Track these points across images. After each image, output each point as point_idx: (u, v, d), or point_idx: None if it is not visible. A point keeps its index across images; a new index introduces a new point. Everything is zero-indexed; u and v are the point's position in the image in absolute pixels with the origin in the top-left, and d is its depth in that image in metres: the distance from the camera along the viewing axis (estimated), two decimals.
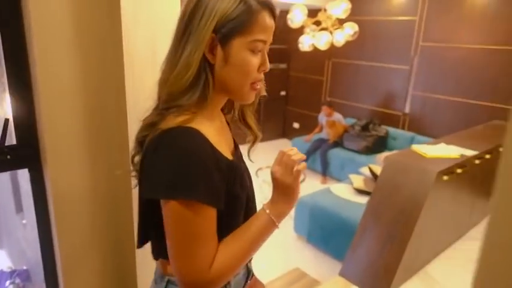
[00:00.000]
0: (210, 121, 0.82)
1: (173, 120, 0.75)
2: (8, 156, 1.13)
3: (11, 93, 1.09)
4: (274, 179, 0.88)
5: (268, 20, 0.79)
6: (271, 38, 0.82)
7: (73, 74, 1.14)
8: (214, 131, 0.82)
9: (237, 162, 0.87)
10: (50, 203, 1.20)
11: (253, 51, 0.78)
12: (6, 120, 1.11)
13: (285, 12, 5.99)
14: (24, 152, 1.16)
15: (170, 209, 0.72)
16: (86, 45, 1.17)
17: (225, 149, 0.83)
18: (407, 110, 5.11)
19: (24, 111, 1.13)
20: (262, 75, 0.84)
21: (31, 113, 1.14)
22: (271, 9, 0.80)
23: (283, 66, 6.60)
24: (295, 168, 0.85)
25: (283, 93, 6.77)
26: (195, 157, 0.72)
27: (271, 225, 0.86)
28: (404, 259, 2.31)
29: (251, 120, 0.98)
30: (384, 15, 5.15)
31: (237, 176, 0.83)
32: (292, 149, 0.90)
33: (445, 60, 4.63)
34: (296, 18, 3.66)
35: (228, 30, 0.75)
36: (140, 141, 0.81)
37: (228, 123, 0.98)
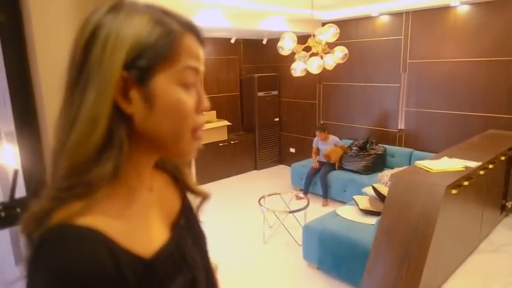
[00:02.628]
0: (124, 198, 0.59)
1: (67, 210, 0.51)
2: (18, 209, 1.08)
3: (19, 144, 1.05)
4: None
5: (195, 45, 0.59)
6: (203, 68, 0.61)
7: None
8: (128, 215, 0.58)
9: (169, 250, 0.63)
10: None
11: (185, 86, 0.57)
12: (16, 172, 1.07)
13: (272, 41, 6.13)
14: None
15: None
16: None
17: (148, 234, 0.61)
18: (402, 126, 5.15)
19: (33, 162, 1.09)
20: (202, 119, 0.62)
21: (40, 163, 1.11)
22: (196, 32, 0.60)
23: (274, 93, 6.66)
24: None
25: (276, 119, 6.81)
26: (76, 286, 0.47)
27: None
28: (424, 278, 2.25)
29: (191, 180, 0.75)
30: (370, 36, 5.28)
31: (166, 273, 0.60)
32: None
33: (434, 75, 4.73)
34: (286, 45, 3.72)
35: (146, 62, 0.54)
36: (29, 238, 0.54)
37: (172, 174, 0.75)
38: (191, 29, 0.59)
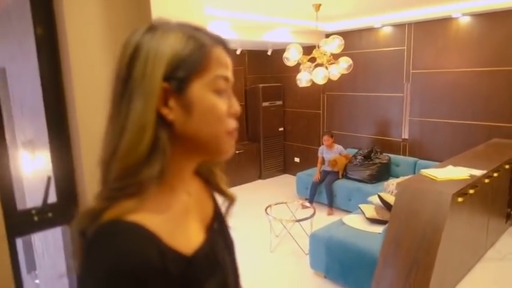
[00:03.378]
0: (169, 199, 0.65)
1: (119, 208, 0.57)
2: (50, 214, 1.14)
3: (51, 152, 1.11)
4: None
5: (224, 56, 0.66)
6: (232, 76, 0.68)
7: None
8: (172, 216, 0.64)
9: (205, 251, 0.68)
10: None
11: (217, 92, 0.63)
12: (49, 178, 1.13)
13: (276, 52, 6.23)
14: (64, 208, 1.17)
15: None
16: None
17: (188, 235, 0.67)
18: (406, 135, 5.20)
19: (64, 168, 1.15)
20: (235, 122, 0.68)
21: (70, 170, 1.17)
22: (224, 45, 0.67)
23: (279, 103, 6.74)
24: None
25: (281, 129, 6.87)
26: (127, 278, 0.53)
27: None
28: (431, 286, 2.27)
29: (222, 182, 0.81)
30: (373, 47, 5.37)
31: (202, 272, 0.65)
32: None
33: (437, 85, 4.79)
34: (292, 57, 3.80)
35: (183, 73, 0.60)
36: (81, 234, 0.60)
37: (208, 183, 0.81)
38: (219, 41, 0.66)
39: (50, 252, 2.10)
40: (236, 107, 0.67)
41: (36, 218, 1.13)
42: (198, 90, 0.61)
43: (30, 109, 1.98)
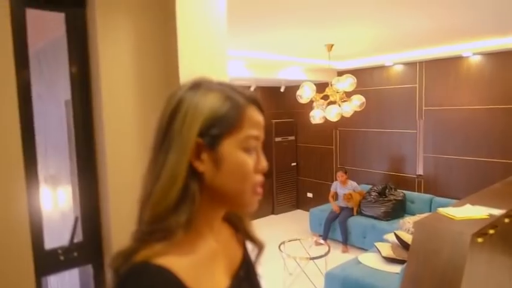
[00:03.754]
0: (196, 244, 0.68)
1: (149, 251, 0.61)
2: (75, 254, 1.16)
3: (80, 192, 1.15)
4: None
5: (257, 115, 0.70)
6: (263, 135, 0.71)
7: (139, 173, 1.21)
8: (197, 262, 0.67)
9: None
10: None
11: (247, 150, 0.67)
12: (76, 219, 1.16)
13: (289, 88, 6.36)
14: (89, 248, 1.19)
15: None
16: (148, 145, 1.25)
17: (213, 281, 0.69)
18: (420, 171, 5.15)
19: (91, 209, 1.19)
20: (261, 177, 0.71)
21: (96, 211, 1.20)
22: (258, 104, 0.71)
23: (291, 138, 6.79)
24: None
25: (293, 164, 6.88)
26: None
27: None
28: None
29: (251, 229, 0.84)
30: (385, 84, 5.45)
31: None
32: None
33: (450, 122, 4.80)
34: (305, 94, 3.88)
35: (217, 131, 0.64)
36: (116, 272, 0.64)
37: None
38: (253, 101, 0.71)
39: None
40: (264, 164, 0.71)
41: (62, 258, 1.15)
42: (229, 147, 0.66)
43: (55, 147, 2.06)
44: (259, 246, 0.83)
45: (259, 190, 0.71)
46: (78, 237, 1.22)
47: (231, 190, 0.67)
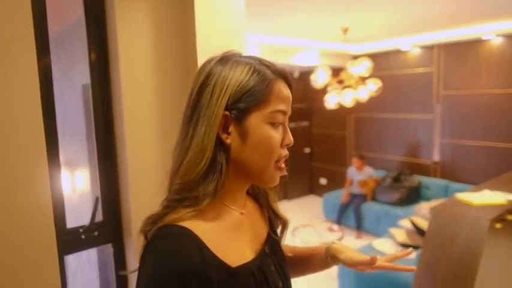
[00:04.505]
0: (220, 213, 0.70)
1: (175, 215, 0.65)
2: (96, 233, 1.19)
3: (100, 174, 1.17)
4: None
5: (285, 90, 0.70)
6: (290, 109, 0.73)
7: (157, 154, 1.22)
8: (221, 229, 0.69)
9: (250, 269, 0.70)
10: (132, 277, 1.23)
11: (273, 125, 0.68)
12: (97, 199, 1.18)
13: (305, 74, 6.29)
14: (109, 228, 1.22)
15: None
16: (167, 127, 1.26)
17: (235, 250, 0.70)
18: (436, 158, 5.08)
19: (111, 190, 1.21)
20: (286, 152, 0.72)
21: (116, 191, 1.22)
22: (287, 79, 0.72)
23: (305, 124, 6.75)
24: None
25: (307, 150, 6.85)
26: (168, 276, 0.59)
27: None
28: None
29: (276, 205, 0.86)
30: (401, 68, 5.34)
31: (256, 280, 0.69)
32: None
33: (468, 107, 4.69)
34: (320, 79, 3.83)
35: (244, 105, 0.66)
36: (146, 236, 0.69)
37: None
38: (282, 75, 0.71)
39: (84, 271, 2.15)
40: (290, 139, 0.72)
41: (83, 236, 1.18)
42: (256, 121, 0.67)
43: (72, 131, 2.08)
44: (283, 223, 0.86)
45: (283, 165, 0.72)
46: (99, 217, 1.24)
47: (255, 163, 0.68)
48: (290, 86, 0.73)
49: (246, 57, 0.71)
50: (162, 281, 0.58)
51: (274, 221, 0.86)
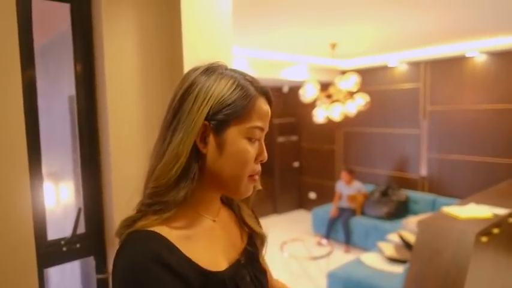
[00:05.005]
0: (192, 222, 0.70)
1: (145, 221, 0.65)
2: (78, 245, 1.16)
3: (83, 185, 1.15)
4: None
5: (265, 107, 0.72)
6: (268, 126, 0.73)
7: (142, 166, 1.20)
8: (192, 236, 0.68)
9: (222, 278, 0.69)
10: None
11: (250, 140, 0.69)
12: (79, 210, 1.16)
13: (294, 89, 6.35)
14: (92, 240, 1.19)
15: None
16: (152, 138, 1.25)
17: (207, 257, 0.69)
18: (424, 172, 5.13)
19: (94, 201, 1.18)
20: (259, 167, 0.73)
21: (100, 202, 1.20)
22: (268, 96, 0.73)
23: (294, 138, 6.78)
24: None
25: (296, 164, 6.86)
26: (140, 270, 0.59)
27: None
28: None
29: (250, 219, 0.84)
30: (388, 84, 5.43)
31: None
32: None
33: (454, 122, 4.77)
34: (309, 93, 3.87)
35: (224, 117, 0.66)
36: (119, 238, 0.70)
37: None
38: (263, 92, 0.72)
39: (66, 285, 2.10)
40: (264, 155, 0.73)
41: (65, 249, 1.15)
42: (234, 134, 0.68)
43: (58, 143, 2.06)
44: (260, 238, 0.84)
45: (256, 178, 0.73)
46: (81, 229, 1.22)
47: (229, 174, 0.69)
48: (270, 103, 0.74)
49: (231, 70, 0.72)
50: (135, 277, 0.59)
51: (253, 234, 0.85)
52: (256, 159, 0.71)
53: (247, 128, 0.68)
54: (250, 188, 0.73)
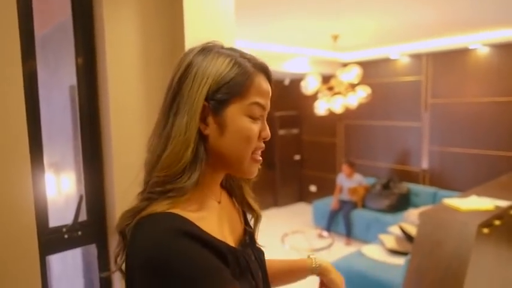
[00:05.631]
0: (203, 204, 0.69)
1: (157, 206, 0.63)
2: (80, 233, 1.16)
3: (85, 173, 1.15)
4: None
5: (264, 84, 0.70)
6: (269, 104, 0.72)
7: (143, 153, 1.20)
8: (205, 217, 0.68)
9: (242, 250, 0.72)
10: (116, 279, 1.20)
11: (251, 117, 0.68)
12: (81, 197, 1.16)
13: (295, 81, 6.32)
14: (94, 227, 1.19)
15: None
16: (153, 126, 1.24)
17: (222, 235, 0.70)
18: (425, 165, 5.13)
19: (96, 189, 1.18)
20: (263, 144, 0.72)
21: (101, 190, 1.20)
22: (267, 73, 0.72)
23: (295, 131, 6.77)
24: None
25: (297, 157, 6.86)
26: (168, 247, 0.57)
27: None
28: None
29: (250, 198, 0.84)
30: (390, 76, 5.40)
31: (240, 266, 0.68)
32: None
33: (456, 115, 4.75)
34: (310, 86, 3.85)
35: (223, 96, 0.65)
36: (122, 233, 0.68)
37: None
38: (262, 69, 0.71)
39: (68, 275, 2.10)
40: (267, 132, 0.72)
41: (66, 236, 1.15)
42: (234, 112, 0.67)
43: (59, 133, 2.05)
44: (256, 216, 0.84)
45: (259, 157, 0.72)
46: (83, 217, 1.22)
47: (232, 154, 0.68)
48: (270, 81, 0.72)
49: (227, 49, 0.71)
50: (161, 258, 0.55)
51: (247, 214, 0.86)
52: (259, 137, 0.70)
53: (247, 105, 0.67)
54: (255, 167, 0.72)
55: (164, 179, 0.64)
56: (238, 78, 0.66)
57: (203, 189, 0.70)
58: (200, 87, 0.65)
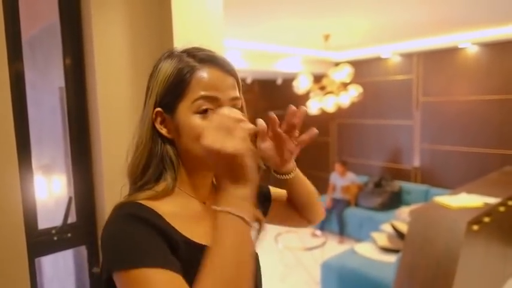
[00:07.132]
0: (180, 202, 0.69)
1: (134, 197, 0.66)
2: (69, 234, 1.16)
3: (74, 175, 1.15)
4: (209, 152, 0.59)
5: (211, 75, 0.67)
6: (229, 93, 0.68)
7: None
8: (180, 213, 0.67)
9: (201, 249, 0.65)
10: None
11: (200, 113, 0.66)
12: (70, 199, 1.15)
13: (287, 81, 6.33)
14: (83, 229, 1.19)
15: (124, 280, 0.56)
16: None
17: (193, 232, 0.67)
18: (417, 163, 5.17)
19: (85, 190, 1.18)
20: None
21: (91, 191, 1.19)
22: (215, 63, 0.68)
23: None
24: (238, 127, 0.59)
25: None
26: (138, 223, 0.59)
27: (238, 227, 0.59)
28: None
29: (217, 200, 0.86)
30: (382, 75, 5.44)
31: (198, 260, 0.59)
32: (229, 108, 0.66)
33: (447, 113, 4.80)
34: (302, 85, 3.87)
35: (169, 99, 0.67)
36: None
37: None
38: (209, 60, 0.68)
39: (59, 277, 2.09)
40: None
41: (55, 238, 1.15)
42: (183, 113, 0.67)
43: (49, 135, 2.04)
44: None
45: None
46: (72, 219, 1.22)
47: (194, 154, 0.67)
48: (225, 70, 0.69)
49: (182, 50, 0.71)
50: (124, 231, 0.59)
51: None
52: None
53: (192, 102, 0.66)
54: None
55: (141, 179, 0.68)
56: (178, 78, 0.67)
57: (186, 189, 0.71)
58: (152, 94, 0.68)
